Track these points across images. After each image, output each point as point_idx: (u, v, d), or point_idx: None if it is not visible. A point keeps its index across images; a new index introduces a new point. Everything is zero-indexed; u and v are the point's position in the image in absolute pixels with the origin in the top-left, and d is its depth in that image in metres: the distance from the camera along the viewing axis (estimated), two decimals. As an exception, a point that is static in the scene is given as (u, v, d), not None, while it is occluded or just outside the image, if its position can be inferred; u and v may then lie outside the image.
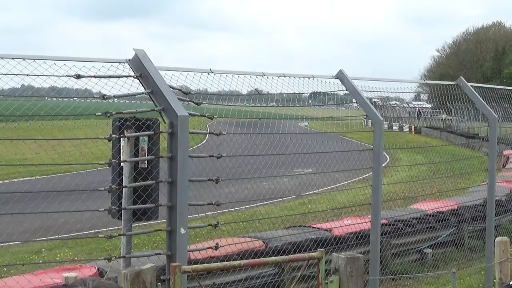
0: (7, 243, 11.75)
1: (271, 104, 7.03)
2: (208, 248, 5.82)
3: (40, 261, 10.43)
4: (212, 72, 5.85)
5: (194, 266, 4.43)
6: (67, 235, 10.69)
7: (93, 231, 10.94)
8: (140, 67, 5.20)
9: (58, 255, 11.32)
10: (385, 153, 19.59)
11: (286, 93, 6.86)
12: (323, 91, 7.46)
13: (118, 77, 5.18)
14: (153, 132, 5.25)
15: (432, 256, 10.77)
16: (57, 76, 4.85)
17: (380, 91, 8.27)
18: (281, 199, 14.30)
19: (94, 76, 5.02)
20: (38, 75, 4.76)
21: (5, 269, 9.72)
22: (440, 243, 11.00)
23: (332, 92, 7.81)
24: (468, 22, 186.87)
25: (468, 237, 11.58)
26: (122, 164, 5.29)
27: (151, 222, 5.96)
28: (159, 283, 5.10)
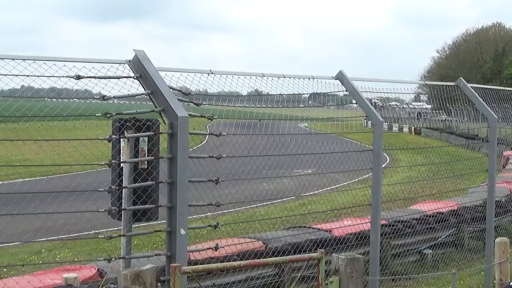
0: (7, 244, 11.76)
1: (271, 105, 7.03)
2: (208, 248, 5.82)
3: (40, 262, 10.42)
4: (212, 73, 5.85)
5: (194, 267, 4.43)
6: (67, 235, 10.70)
7: (93, 231, 10.93)
8: (140, 68, 5.21)
9: (58, 256, 11.32)
10: (385, 154, 19.59)
11: (286, 94, 6.86)
12: (323, 92, 7.46)
13: (118, 78, 5.19)
14: (153, 133, 5.25)
15: (432, 256, 10.76)
16: (57, 77, 4.86)
17: (380, 92, 8.28)
18: (281, 199, 14.30)
19: (94, 77, 5.03)
20: (38, 76, 4.77)
21: (5, 269, 9.72)
22: (440, 243, 10.99)
23: (332, 93, 7.81)
24: (468, 23, 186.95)
25: (468, 237, 11.57)
26: (122, 164, 5.30)
27: (151, 223, 5.96)
28: (159, 284, 5.10)
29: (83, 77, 4.94)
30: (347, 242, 8.57)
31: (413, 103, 13.55)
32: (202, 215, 6.20)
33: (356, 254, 5.14)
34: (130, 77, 5.23)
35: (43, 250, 11.76)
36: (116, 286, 5.14)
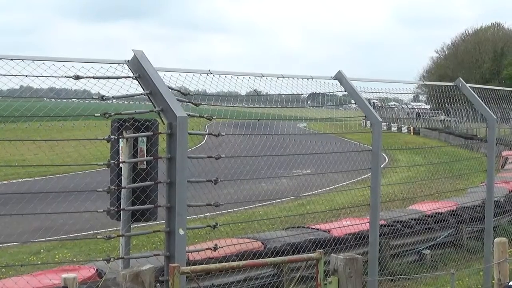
0: (5, 244, 11.75)
1: (269, 105, 7.03)
2: (207, 249, 5.82)
3: (39, 262, 10.41)
4: (211, 73, 5.85)
5: (193, 267, 4.43)
6: (65, 236, 10.69)
7: (92, 232, 10.93)
8: (139, 68, 5.21)
9: (57, 256, 11.31)
10: (383, 154, 19.60)
11: (285, 94, 6.87)
12: (321, 92, 7.46)
13: (117, 78, 5.19)
14: (152, 133, 5.25)
15: (431, 257, 10.77)
16: (56, 77, 4.86)
17: (379, 92, 8.28)
18: (280, 200, 14.30)
19: (93, 77, 5.03)
20: (37, 76, 4.77)
21: (4, 270, 9.72)
22: (439, 244, 11.00)
23: (330, 93, 7.81)
24: (466, 23, 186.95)
25: (467, 238, 11.58)
26: (121, 165, 5.30)
27: (150, 223, 5.96)
28: (158, 284, 5.10)
29: (82, 77, 4.94)
30: (346, 242, 8.57)
31: (412, 103, 13.57)
32: (201, 215, 6.20)
33: (355, 254, 5.14)
34: (129, 77, 5.23)
35: (42, 250, 11.76)
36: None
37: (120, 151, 5.32)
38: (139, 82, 5.24)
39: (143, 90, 5.23)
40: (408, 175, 14.43)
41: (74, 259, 10.78)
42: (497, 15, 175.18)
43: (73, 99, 6.13)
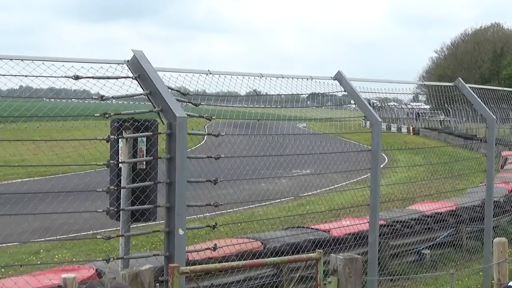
0: (5, 244, 11.74)
1: (269, 105, 7.04)
2: (206, 249, 5.82)
3: (38, 262, 10.41)
4: (211, 73, 5.85)
5: (192, 267, 4.43)
6: (65, 236, 10.68)
7: (91, 232, 10.92)
8: (138, 68, 5.21)
9: (57, 256, 11.31)
10: (383, 154, 19.61)
11: (285, 94, 6.87)
12: (321, 92, 7.47)
13: (117, 78, 5.19)
14: (151, 133, 5.25)
15: (430, 257, 10.77)
16: (55, 77, 4.86)
17: (378, 92, 8.29)
18: (279, 200, 14.30)
19: (93, 77, 5.03)
20: (36, 76, 4.77)
21: (3, 270, 9.72)
22: (438, 244, 11.00)
23: (330, 93, 7.82)
24: (466, 23, 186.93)
25: (466, 238, 11.58)
26: (120, 165, 5.30)
27: (150, 223, 5.96)
28: (157, 284, 5.11)
29: (81, 77, 4.95)
30: (346, 242, 8.58)
31: (411, 103, 13.57)
32: (201, 216, 6.20)
33: (355, 254, 5.15)
34: (129, 77, 5.23)
35: (41, 251, 11.76)
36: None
37: (119, 151, 5.33)
38: (138, 82, 5.25)
39: (143, 90, 5.23)
40: (408, 175, 14.43)
41: (74, 259, 10.78)
42: (497, 16, 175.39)
43: (72, 99, 6.13)
